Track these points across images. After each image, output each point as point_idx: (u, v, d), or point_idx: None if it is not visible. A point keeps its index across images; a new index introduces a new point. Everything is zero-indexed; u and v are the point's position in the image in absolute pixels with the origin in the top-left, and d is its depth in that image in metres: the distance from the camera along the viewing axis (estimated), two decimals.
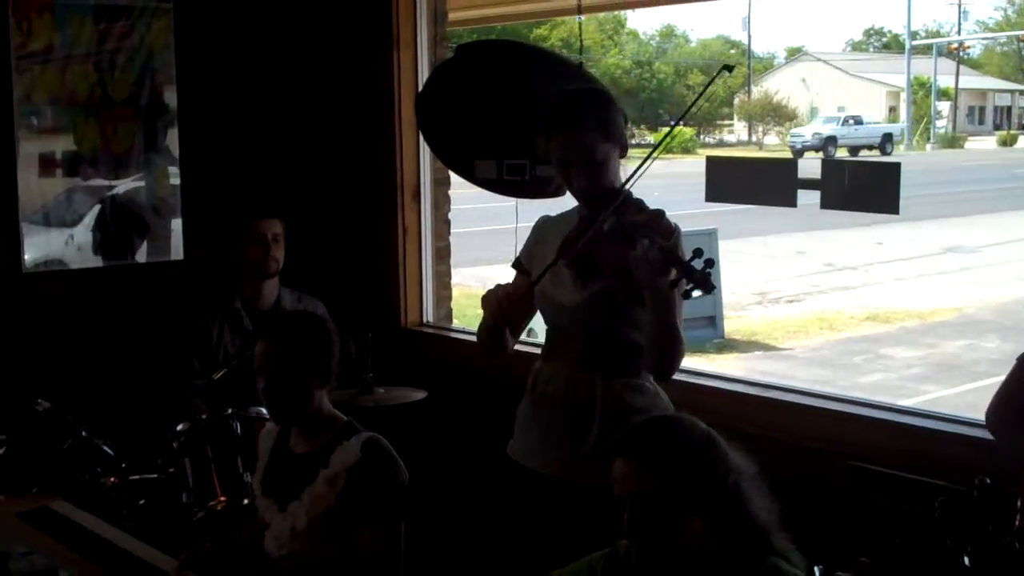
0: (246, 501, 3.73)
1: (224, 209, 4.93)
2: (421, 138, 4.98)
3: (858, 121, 38.55)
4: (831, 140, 36.07)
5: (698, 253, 2.67)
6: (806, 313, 13.07)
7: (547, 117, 3.11)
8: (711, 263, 2.65)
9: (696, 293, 2.70)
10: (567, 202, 3.28)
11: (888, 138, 37.48)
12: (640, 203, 3.06)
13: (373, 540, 3.00)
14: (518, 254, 3.35)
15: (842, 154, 32.87)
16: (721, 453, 2.43)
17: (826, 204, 3.67)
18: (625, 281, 2.92)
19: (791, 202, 3.75)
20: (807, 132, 38.12)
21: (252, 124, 5.22)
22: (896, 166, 3.55)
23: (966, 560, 1.94)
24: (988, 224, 19.58)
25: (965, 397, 9.30)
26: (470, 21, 6.12)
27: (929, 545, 1.97)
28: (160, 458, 3.89)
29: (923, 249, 17.07)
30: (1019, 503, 2.17)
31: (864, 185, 3.60)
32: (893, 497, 3.37)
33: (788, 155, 32.63)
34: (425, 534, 3.40)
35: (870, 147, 35.78)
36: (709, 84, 3.04)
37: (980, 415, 3.56)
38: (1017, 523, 2.14)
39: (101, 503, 3.70)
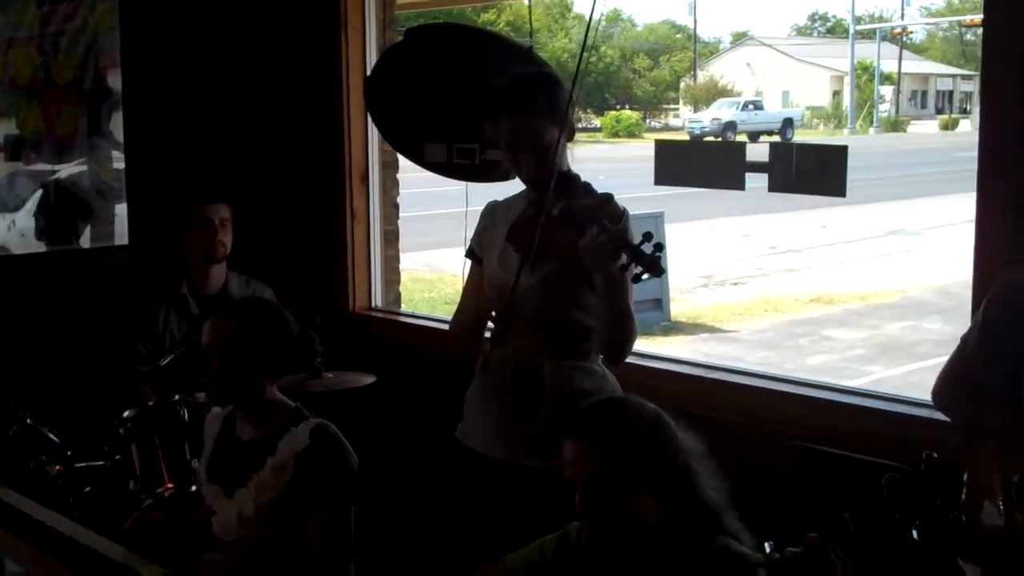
0: (194, 488, 3.70)
1: (170, 194, 4.88)
2: (370, 122, 4.95)
3: (758, 106, 38.49)
4: (730, 126, 35.85)
5: (647, 237, 2.68)
6: (751, 295, 13.17)
7: (495, 101, 3.12)
8: (660, 247, 2.66)
9: (646, 277, 2.72)
10: (517, 185, 3.28)
11: (788, 123, 37.34)
12: (588, 187, 3.07)
13: (322, 527, 2.99)
14: (469, 242, 3.35)
15: (742, 140, 32.52)
16: (670, 433, 2.46)
17: (774, 187, 3.69)
18: (574, 265, 2.93)
19: (739, 185, 3.77)
20: (706, 118, 37.78)
21: (198, 108, 5.17)
22: (843, 149, 3.57)
23: (914, 534, 1.97)
24: (930, 207, 19.80)
25: (908, 378, 9.40)
26: (417, 4, 6.08)
27: (878, 520, 1.99)
28: (106, 445, 3.85)
29: (866, 232, 17.25)
30: (965, 477, 2.21)
31: (811, 168, 3.62)
32: (841, 477, 3.41)
33: (736, 139, 32.78)
34: (375, 519, 3.40)
35: (770, 133, 35.41)
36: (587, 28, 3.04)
37: (925, 395, 3.61)
38: (964, 497, 2.17)
39: (46, 491, 3.66)
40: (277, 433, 3.05)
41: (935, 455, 2.03)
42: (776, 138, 33.66)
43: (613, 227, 2.77)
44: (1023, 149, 3.03)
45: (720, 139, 32.35)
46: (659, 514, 2.41)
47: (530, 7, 4.40)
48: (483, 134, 3.25)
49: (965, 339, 2.78)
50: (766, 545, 2.15)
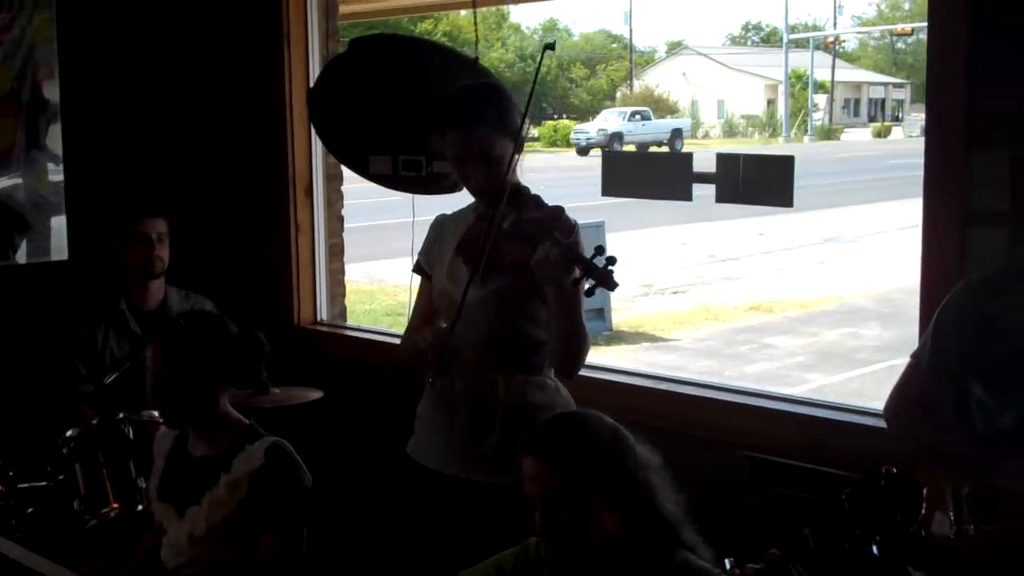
0: (140, 507, 3.65)
1: (111, 207, 4.80)
2: (313, 134, 4.91)
3: (645, 117, 38.07)
4: (616, 136, 35.22)
5: (599, 251, 2.66)
6: (691, 304, 13.23)
7: (443, 114, 3.09)
8: (613, 260, 2.64)
9: (599, 290, 2.71)
10: (465, 197, 3.27)
11: (677, 134, 36.88)
12: (538, 199, 3.06)
13: (276, 546, 2.95)
14: (417, 257, 3.32)
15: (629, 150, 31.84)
16: (629, 447, 2.45)
17: (721, 198, 3.70)
18: (525, 278, 2.91)
19: (687, 196, 3.78)
20: (592, 128, 37.21)
21: (139, 120, 5.10)
22: (790, 159, 3.59)
23: (875, 549, 1.97)
24: (865, 214, 20.05)
25: (848, 384, 9.51)
26: (357, 15, 6.06)
27: (838, 535, 1.99)
28: (49, 465, 3.78)
29: (803, 239, 17.42)
30: (925, 492, 2.21)
31: (758, 178, 3.64)
32: (790, 487, 3.42)
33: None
34: (326, 537, 3.36)
35: (659, 144, 34.96)
36: (539, 66, 3.02)
37: (864, 402, 3.64)
38: (924, 512, 2.18)
39: None
40: (232, 450, 3.01)
41: (894, 470, 2.04)
42: (665, 149, 33.54)
43: (565, 241, 2.76)
44: (968, 158, 3.06)
45: (607, 149, 31.18)
46: (619, 529, 2.40)
47: (476, 18, 4.38)
48: (431, 147, 3.23)
49: (917, 356, 2.79)
50: (727, 561, 2.14)
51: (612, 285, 2.66)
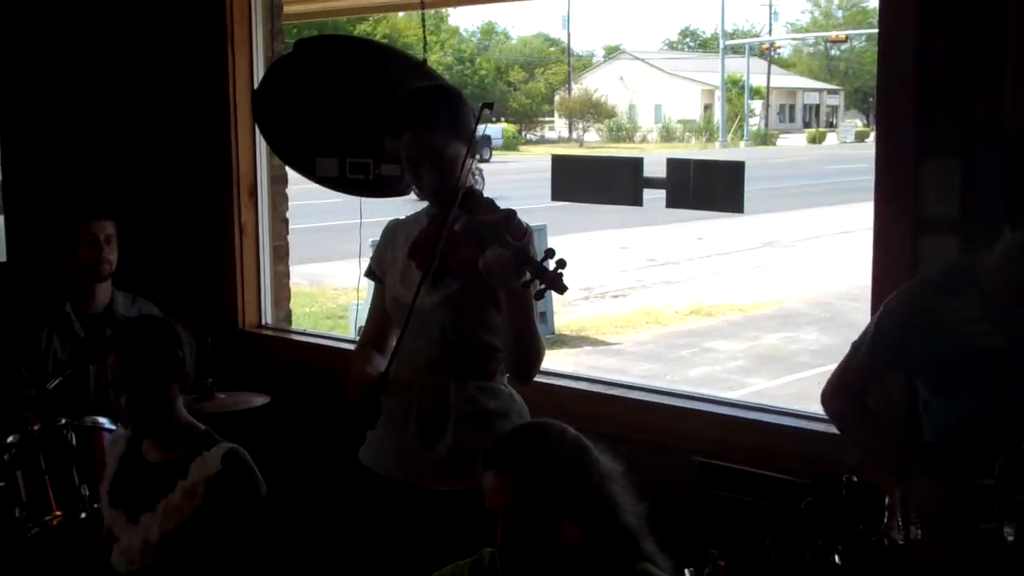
0: (83, 515, 3.58)
1: (50, 208, 4.72)
2: (258, 135, 4.86)
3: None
4: None
5: (550, 254, 2.64)
6: (632, 308, 13.27)
7: (396, 115, 3.06)
8: (563, 263, 2.62)
9: (549, 293, 2.69)
10: (414, 200, 3.25)
11: (487, 141, 37.50)
12: (492, 203, 3.03)
13: (229, 554, 2.91)
14: (369, 262, 3.27)
15: None
16: (592, 459, 2.42)
17: (671, 203, 3.71)
18: (478, 282, 2.89)
19: (637, 201, 3.78)
20: None
21: (80, 121, 5.02)
22: (740, 165, 3.61)
23: (837, 559, 1.97)
24: (802, 219, 20.28)
25: (787, 388, 9.57)
26: (299, 15, 6.01)
27: (800, 545, 1.99)
28: None
29: (741, 244, 17.55)
30: (887, 500, 2.22)
31: (709, 184, 3.65)
32: (738, 491, 3.43)
33: (609, 151, 33.06)
34: (275, 544, 3.31)
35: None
36: (476, 124, 3.02)
37: (804, 405, 3.66)
38: (886, 520, 2.19)
39: None
40: (188, 456, 2.97)
41: (855, 479, 2.04)
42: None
43: (515, 243, 2.74)
44: (918, 162, 3.09)
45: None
46: (579, 541, 2.38)
47: (424, 20, 4.35)
48: (383, 148, 3.19)
49: (856, 345, 2.82)
50: (686, 572, 2.14)
51: (562, 289, 2.64)
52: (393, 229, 3.25)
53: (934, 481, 2.52)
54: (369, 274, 3.26)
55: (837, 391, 2.85)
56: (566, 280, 2.63)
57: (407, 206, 3.29)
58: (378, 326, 3.22)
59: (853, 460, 2.72)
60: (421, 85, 3.28)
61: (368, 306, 3.31)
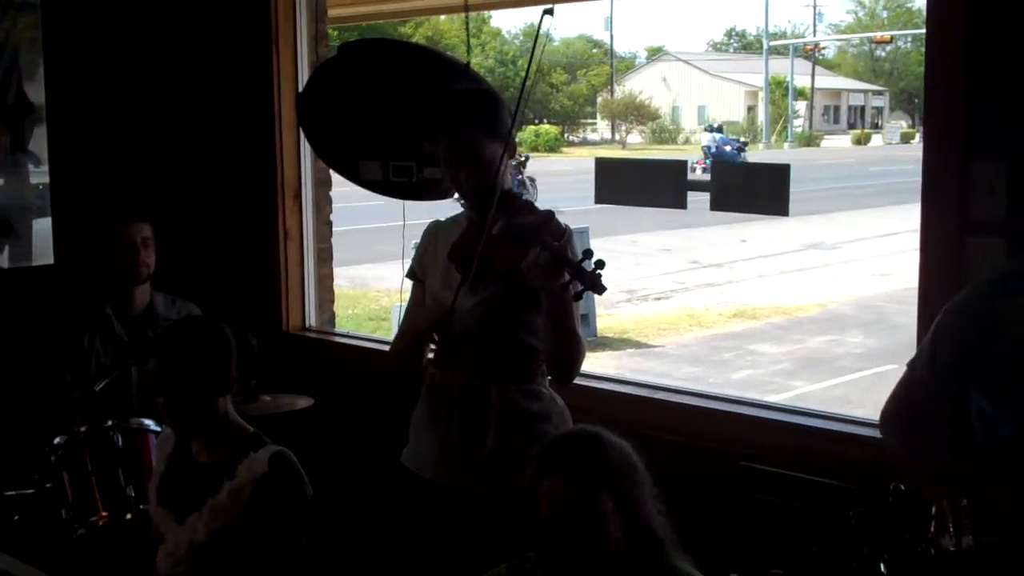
0: (129, 516, 3.60)
1: (96, 211, 4.75)
2: (302, 138, 4.88)
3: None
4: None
5: (588, 255, 2.64)
6: (675, 310, 13.24)
7: (434, 119, 3.08)
8: (601, 264, 2.62)
9: (585, 296, 2.68)
10: (457, 204, 3.25)
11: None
12: (530, 204, 3.03)
13: (275, 556, 2.92)
14: (411, 262, 3.29)
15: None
16: (639, 465, 2.44)
17: (716, 206, 3.69)
18: (518, 284, 2.89)
19: (681, 204, 3.77)
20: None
21: (126, 123, 5.05)
22: (786, 168, 3.58)
23: (882, 567, 1.95)
24: (846, 221, 20.15)
25: (832, 392, 9.51)
26: (348, 19, 6.03)
27: (846, 553, 1.97)
28: (36, 473, 3.73)
29: (785, 246, 17.47)
30: (933, 510, 2.19)
31: (754, 187, 3.63)
32: (785, 497, 3.40)
33: (652, 153, 32.96)
34: (319, 546, 3.32)
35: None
36: (539, 29, 2.97)
37: (849, 409, 3.62)
38: (932, 530, 2.16)
39: None
40: (236, 457, 2.97)
41: (902, 487, 2.02)
42: None
43: (554, 245, 2.73)
44: (965, 164, 3.05)
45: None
46: (622, 547, 2.38)
47: (468, 22, 4.35)
48: (424, 151, 3.21)
49: (913, 364, 2.76)
50: None
51: (600, 289, 2.63)
52: (434, 231, 3.26)
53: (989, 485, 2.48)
54: (410, 274, 3.27)
55: (897, 413, 2.78)
56: (605, 281, 2.63)
57: (450, 209, 3.29)
58: (413, 326, 3.22)
59: (901, 465, 2.68)
60: (458, 89, 3.28)
61: (406, 308, 3.32)
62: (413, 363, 3.20)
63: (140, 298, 4.45)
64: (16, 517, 3.65)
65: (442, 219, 3.27)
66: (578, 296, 2.70)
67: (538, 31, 2.94)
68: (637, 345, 11.69)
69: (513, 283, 2.90)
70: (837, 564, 1.97)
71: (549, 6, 2.97)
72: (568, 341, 2.94)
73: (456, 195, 3.15)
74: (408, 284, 3.32)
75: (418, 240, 3.33)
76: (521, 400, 3.06)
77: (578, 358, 2.99)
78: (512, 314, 3.04)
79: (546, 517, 2.38)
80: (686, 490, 2.51)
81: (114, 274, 4.41)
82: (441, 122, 3.04)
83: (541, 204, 3.09)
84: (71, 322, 4.40)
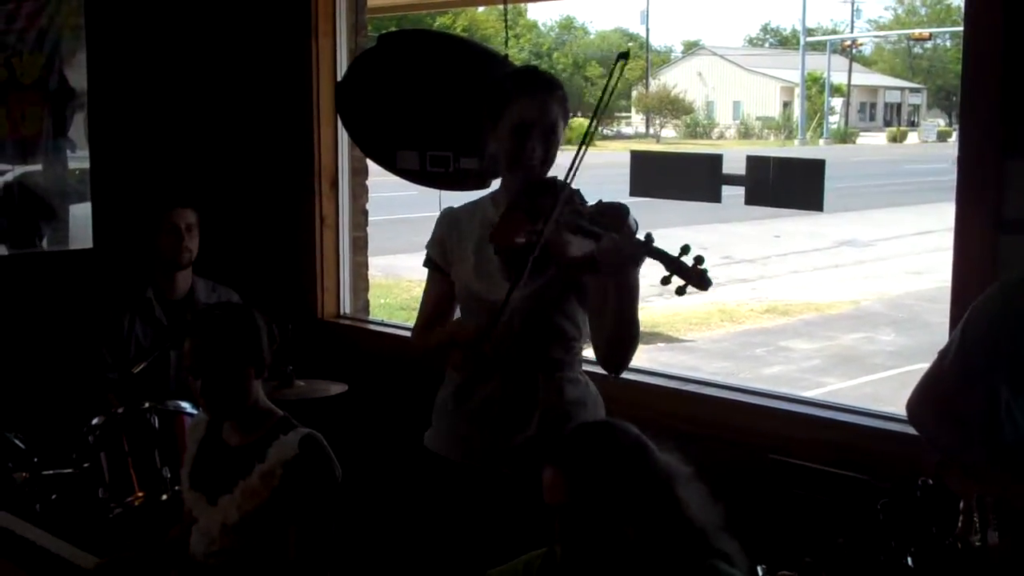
0: (164, 497, 3.66)
1: (136, 197, 4.81)
2: (340, 127, 4.92)
3: None
4: None
5: (685, 249, 2.54)
6: (706, 305, 13.19)
7: (506, 85, 3.01)
8: (701, 259, 2.52)
9: (690, 290, 2.59)
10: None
11: None
12: (580, 194, 2.98)
13: (305, 537, 2.96)
14: (427, 250, 3.21)
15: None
16: (651, 459, 2.40)
17: (751, 200, 3.70)
18: (572, 273, 2.86)
19: (716, 198, 3.78)
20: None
21: (165, 111, 5.11)
22: (821, 163, 3.58)
23: (909, 561, 1.96)
24: (880, 219, 20.02)
25: (863, 389, 9.47)
26: (384, 9, 6.06)
27: (873, 546, 1.98)
28: (74, 452, 3.79)
29: (818, 243, 17.38)
30: (961, 504, 2.20)
31: (789, 182, 3.64)
32: (813, 491, 3.41)
33: (686, 148, 32.95)
34: (350, 529, 3.36)
35: None
36: (611, 76, 2.91)
37: (881, 408, 3.63)
38: (960, 524, 2.17)
39: (12, 498, 3.61)
40: (266, 440, 3.01)
41: (930, 481, 2.03)
42: None
43: (645, 235, 2.69)
44: (1002, 162, 3.05)
45: None
46: (641, 541, 2.36)
47: (506, 14, 4.38)
48: (466, 139, 3.17)
49: (943, 354, 2.76)
50: (759, 568, 2.14)
51: (706, 285, 2.53)
52: (454, 218, 3.18)
53: (1016, 482, 2.49)
54: (428, 263, 3.19)
55: (924, 401, 2.77)
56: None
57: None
58: (434, 314, 3.19)
59: (932, 461, 2.69)
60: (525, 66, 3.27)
61: (423, 296, 3.25)
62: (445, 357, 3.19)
63: (182, 283, 4.50)
64: (54, 496, 3.71)
65: (455, 205, 3.24)
66: (680, 291, 2.57)
67: (610, 76, 2.87)
68: (668, 339, 11.68)
69: (570, 272, 2.86)
70: (864, 556, 1.98)
71: (625, 51, 2.90)
72: (629, 330, 2.90)
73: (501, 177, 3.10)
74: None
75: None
76: (564, 388, 3.05)
77: (634, 347, 2.95)
78: (557, 304, 3.01)
79: (546, 506, 2.38)
80: (714, 482, 2.52)
81: (157, 259, 4.46)
82: (518, 86, 2.98)
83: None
84: (112, 304, 4.45)
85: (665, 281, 2.57)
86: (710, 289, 2.53)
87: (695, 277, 2.50)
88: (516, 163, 2.99)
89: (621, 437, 2.43)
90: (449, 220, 3.18)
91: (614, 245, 2.67)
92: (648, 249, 2.62)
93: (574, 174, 2.86)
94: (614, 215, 2.78)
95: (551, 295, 2.99)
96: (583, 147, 2.84)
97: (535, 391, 3.03)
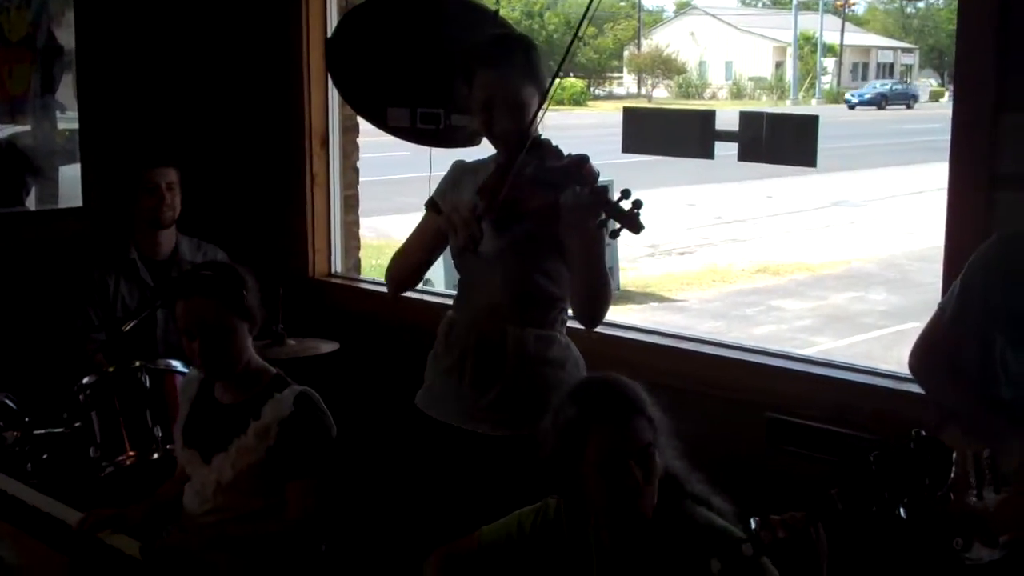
0: (156, 456, 3.65)
1: (124, 156, 4.76)
2: (330, 85, 4.88)
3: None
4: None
5: (626, 194, 2.63)
6: (698, 265, 13.22)
7: (472, 56, 3.05)
8: (639, 203, 2.61)
9: (624, 233, 2.66)
10: (484, 151, 3.23)
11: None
12: (559, 151, 3.01)
13: (301, 493, 2.96)
14: (432, 194, 3.24)
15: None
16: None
17: (744, 156, 3.67)
18: (544, 229, 2.89)
19: (708, 154, 3.75)
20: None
21: (154, 69, 5.05)
22: (814, 119, 3.57)
23: (902, 512, 1.96)
24: (872, 179, 20.01)
25: (855, 348, 9.49)
26: None
27: (866, 497, 1.98)
28: (65, 412, 3.78)
29: (811, 203, 17.38)
30: (954, 456, 2.20)
31: (781, 138, 3.61)
32: (811, 448, 3.42)
33: (677, 107, 32.92)
34: (342, 489, 3.36)
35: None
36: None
37: (873, 366, 3.63)
38: (952, 476, 2.17)
39: (3, 457, 3.60)
40: (260, 398, 3.00)
41: (923, 433, 2.03)
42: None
43: (597, 186, 2.73)
44: (996, 119, 3.03)
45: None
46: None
47: None
48: (453, 93, 3.18)
49: (943, 306, 2.77)
50: (752, 521, 2.14)
51: (638, 228, 2.62)
52: (460, 170, 3.23)
53: (1013, 438, 2.48)
54: (431, 204, 3.20)
55: (924, 352, 2.79)
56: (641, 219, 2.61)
57: (478, 155, 3.28)
58: (419, 240, 3.21)
59: (928, 418, 2.69)
60: (498, 31, 3.26)
61: (413, 230, 3.26)
62: (413, 281, 3.27)
63: (165, 242, 4.48)
64: (45, 455, 3.70)
65: (468, 160, 3.26)
66: (615, 234, 2.67)
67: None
68: (660, 299, 11.69)
69: (543, 226, 2.89)
70: (857, 507, 1.98)
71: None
72: (598, 283, 2.95)
73: (487, 139, 3.13)
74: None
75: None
76: (537, 345, 3.07)
77: (606, 301, 3.00)
78: (534, 259, 3.04)
79: (602, 462, 2.37)
80: (709, 440, 2.52)
81: (139, 218, 4.43)
82: (480, 59, 3.01)
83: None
84: (97, 265, 4.43)
85: (601, 225, 2.69)
86: (641, 233, 2.63)
87: (627, 219, 2.61)
88: (489, 135, 3.07)
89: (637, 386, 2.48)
90: (457, 172, 3.24)
91: (572, 196, 2.74)
92: (598, 198, 2.69)
93: (532, 135, 2.93)
94: (574, 167, 2.83)
95: (525, 251, 3.01)
96: (545, 104, 2.97)
97: (504, 346, 3.05)
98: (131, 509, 3.16)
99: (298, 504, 2.96)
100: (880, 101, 39.59)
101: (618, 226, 2.64)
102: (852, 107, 38.83)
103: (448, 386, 3.15)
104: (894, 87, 43.32)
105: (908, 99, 41.36)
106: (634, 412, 2.40)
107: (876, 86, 43.20)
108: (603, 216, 2.68)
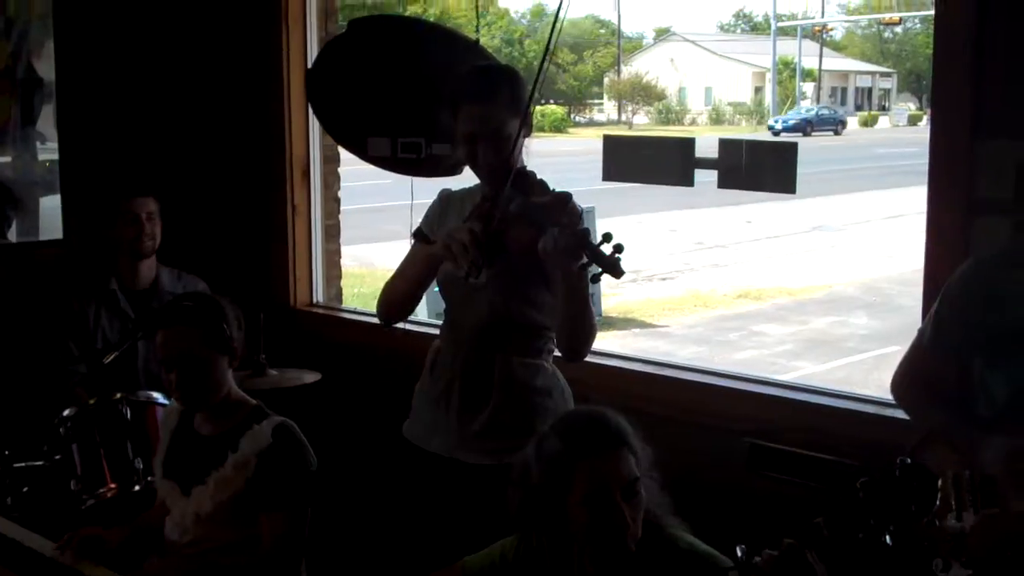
0: (137, 488, 3.63)
1: (105, 187, 4.75)
2: (311, 115, 4.89)
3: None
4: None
5: (607, 238, 2.62)
6: (680, 290, 13.25)
7: (457, 89, 3.05)
8: (620, 248, 2.60)
9: (605, 277, 2.68)
10: (466, 179, 3.24)
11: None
12: (544, 185, 3.02)
13: (279, 526, 2.95)
14: (419, 224, 3.25)
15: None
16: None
17: (723, 184, 3.69)
18: (529, 261, 2.89)
19: (688, 182, 3.77)
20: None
21: (135, 100, 5.05)
22: (793, 146, 3.59)
23: (888, 540, 1.96)
24: (853, 203, 20.09)
25: (836, 373, 9.52)
26: None
27: (852, 525, 1.98)
28: (45, 445, 3.76)
29: (791, 227, 17.44)
30: (940, 483, 2.20)
31: (761, 164, 3.63)
32: (791, 474, 3.42)
33: (658, 134, 33.00)
34: (325, 519, 3.35)
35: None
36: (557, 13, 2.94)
37: (855, 391, 3.64)
38: (939, 503, 2.17)
39: None
40: (239, 430, 3.00)
41: (909, 461, 2.03)
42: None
43: (579, 229, 2.72)
44: (973, 144, 3.05)
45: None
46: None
47: (477, 1, 4.35)
48: (436, 126, 3.20)
49: (922, 331, 2.78)
50: (738, 548, 2.14)
51: (619, 273, 2.61)
52: (447, 199, 3.23)
53: (993, 458, 2.49)
54: (418, 234, 3.20)
55: (906, 377, 2.80)
56: (623, 265, 2.62)
57: (458, 186, 3.28)
58: (410, 274, 3.15)
59: (909, 443, 2.70)
60: (482, 63, 3.28)
61: (402, 260, 3.21)
62: (405, 311, 3.24)
63: (146, 273, 4.46)
64: (25, 488, 3.67)
65: (454, 188, 3.26)
66: (596, 279, 2.70)
67: (556, 14, 2.90)
68: (642, 325, 11.70)
69: (528, 261, 2.89)
70: (843, 535, 1.98)
71: None
72: (581, 320, 2.94)
73: (471, 170, 3.14)
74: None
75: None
76: (524, 373, 3.07)
77: (590, 337, 2.99)
78: (521, 290, 3.05)
79: (589, 496, 2.37)
80: (690, 466, 2.53)
81: (120, 249, 4.42)
82: (464, 92, 3.02)
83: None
84: (77, 296, 4.41)
85: (582, 268, 2.68)
86: (623, 278, 2.62)
87: (608, 264, 2.60)
88: (473, 167, 3.07)
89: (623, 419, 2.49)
90: (444, 201, 3.24)
91: (552, 238, 2.71)
92: (579, 241, 2.66)
93: (514, 168, 2.93)
94: (557, 205, 2.83)
95: (510, 281, 3.02)
96: (523, 136, 2.98)
97: (490, 374, 3.05)
98: (111, 532, 3.15)
99: (271, 536, 2.95)
100: (805, 127, 37.95)
101: (599, 270, 2.64)
102: (776, 133, 36.71)
103: (435, 415, 3.15)
104: (820, 112, 42.26)
105: (835, 124, 40.30)
106: (620, 446, 2.41)
107: (801, 111, 42.20)
108: (585, 259, 2.67)
